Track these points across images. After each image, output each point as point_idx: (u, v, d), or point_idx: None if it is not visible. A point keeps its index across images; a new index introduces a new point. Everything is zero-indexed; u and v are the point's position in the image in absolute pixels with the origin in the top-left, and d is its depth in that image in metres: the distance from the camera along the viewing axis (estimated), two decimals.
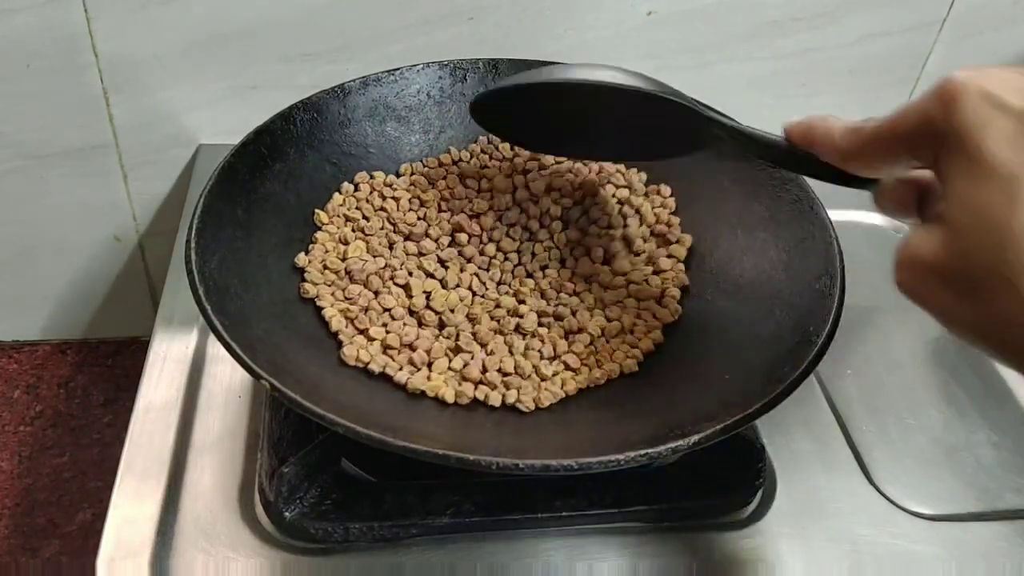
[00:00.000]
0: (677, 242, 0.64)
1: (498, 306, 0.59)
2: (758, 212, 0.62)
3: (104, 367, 0.95)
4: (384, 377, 0.54)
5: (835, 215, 0.59)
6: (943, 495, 0.60)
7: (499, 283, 0.62)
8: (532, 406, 0.53)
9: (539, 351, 0.57)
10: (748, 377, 0.51)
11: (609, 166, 0.68)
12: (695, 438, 0.45)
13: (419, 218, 0.64)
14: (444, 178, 0.66)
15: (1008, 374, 0.69)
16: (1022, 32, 0.86)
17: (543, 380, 0.55)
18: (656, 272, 0.62)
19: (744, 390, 0.50)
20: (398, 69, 0.68)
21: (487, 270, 0.62)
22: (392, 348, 0.55)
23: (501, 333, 0.57)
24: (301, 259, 0.60)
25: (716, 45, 0.83)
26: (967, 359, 0.70)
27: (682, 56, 0.83)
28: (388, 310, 0.58)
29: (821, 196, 0.59)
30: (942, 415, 0.65)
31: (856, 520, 0.57)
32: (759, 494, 0.58)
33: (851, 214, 0.83)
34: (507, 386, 0.54)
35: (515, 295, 0.60)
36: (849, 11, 0.82)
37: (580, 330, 0.58)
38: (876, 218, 0.84)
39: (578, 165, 0.68)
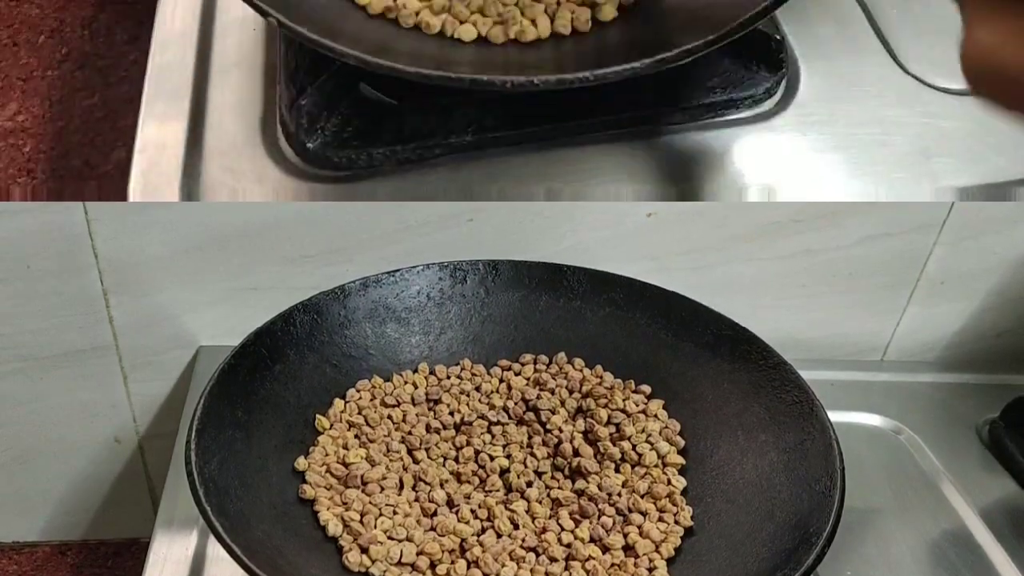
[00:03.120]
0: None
1: (503, 523, 0.58)
2: (758, 413, 0.62)
3: (104, 568, 0.94)
4: None
5: (835, 416, 0.59)
6: None
7: (505, 493, 0.61)
8: None
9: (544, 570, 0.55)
10: None
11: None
12: None
13: (425, 429, 0.64)
14: (448, 391, 0.67)
15: None
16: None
17: None
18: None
19: None
20: (398, 270, 0.69)
21: (493, 487, 0.61)
22: (393, 555, 0.54)
23: (508, 553, 0.56)
24: (301, 463, 0.60)
25: (716, 246, 0.83)
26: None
27: (682, 257, 0.83)
28: (388, 517, 0.57)
29: (820, 398, 0.60)
30: None
31: (884, 101, 0.56)
32: (783, 84, 0.57)
33: (851, 415, 0.82)
34: None
35: (514, 513, 0.59)
36: (850, 213, 0.83)
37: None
38: (875, 419, 0.83)
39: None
